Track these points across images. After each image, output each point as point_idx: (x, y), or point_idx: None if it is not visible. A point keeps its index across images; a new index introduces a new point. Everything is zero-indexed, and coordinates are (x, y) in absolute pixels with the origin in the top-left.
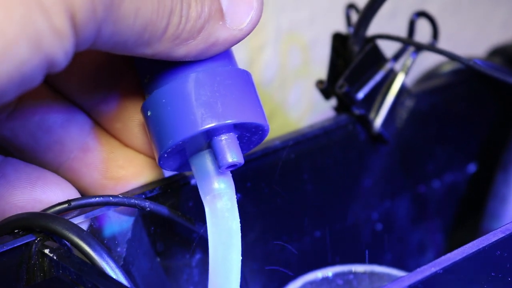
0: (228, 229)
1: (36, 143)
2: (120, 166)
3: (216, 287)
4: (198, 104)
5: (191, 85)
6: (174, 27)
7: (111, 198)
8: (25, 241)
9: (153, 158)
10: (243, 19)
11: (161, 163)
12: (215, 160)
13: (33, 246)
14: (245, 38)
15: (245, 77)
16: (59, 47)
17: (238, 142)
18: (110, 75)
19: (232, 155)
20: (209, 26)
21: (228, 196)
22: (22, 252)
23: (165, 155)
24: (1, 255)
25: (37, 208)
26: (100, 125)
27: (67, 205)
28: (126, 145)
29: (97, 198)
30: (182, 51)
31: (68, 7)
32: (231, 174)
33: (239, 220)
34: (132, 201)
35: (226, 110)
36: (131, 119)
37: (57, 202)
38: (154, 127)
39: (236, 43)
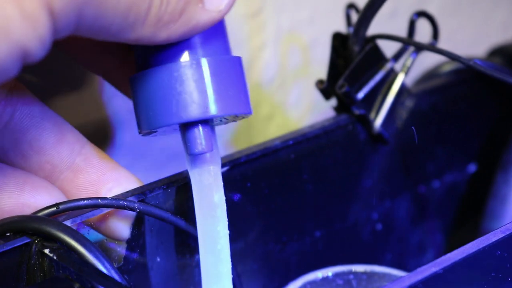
0: (212, 201)
1: (26, 162)
2: (109, 188)
3: (206, 260)
4: (179, 95)
5: (176, 75)
6: (156, 8)
7: (99, 200)
8: (24, 241)
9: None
10: (220, 0)
11: (141, 134)
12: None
13: (33, 246)
14: (245, 38)
15: (234, 65)
16: (32, 35)
17: (212, 132)
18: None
19: (201, 145)
20: (189, 8)
21: (214, 171)
22: (22, 252)
23: (142, 134)
24: (1, 255)
25: (25, 212)
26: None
27: (55, 208)
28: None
29: (85, 201)
30: (163, 35)
31: None
32: (218, 148)
33: (224, 194)
34: (121, 202)
35: (206, 103)
36: None
37: (45, 206)
38: (138, 104)
39: (214, 24)
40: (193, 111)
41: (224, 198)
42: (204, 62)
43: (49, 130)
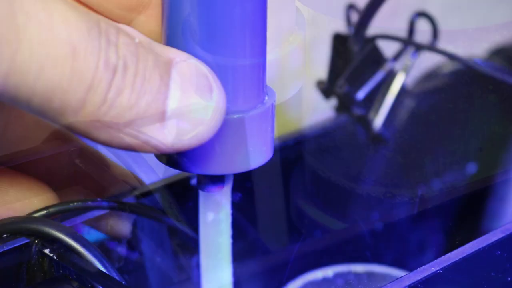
0: (218, 217)
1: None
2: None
3: (207, 267)
4: (201, 148)
5: None
6: (94, 106)
7: (89, 202)
8: (24, 242)
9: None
10: (188, 130)
11: None
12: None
13: (33, 246)
14: None
15: (267, 114)
16: None
17: (228, 177)
18: None
19: (212, 188)
20: (141, 123)
21: (224, 190)
22: (22, 252)
23: None
24: (1, 255)
25: (12, 215)
26: None
27: (45, 212)
28: None
29: (75, 204)
30: (104, 136)
31: None
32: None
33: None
34: (111, 204)
35: (227, 162)
36: None
37: (32, 209)
38: None
39: (172, 152)
40: (212, 169)
41: (230, 212)
42: (236, 120)
43: (45, 139)
